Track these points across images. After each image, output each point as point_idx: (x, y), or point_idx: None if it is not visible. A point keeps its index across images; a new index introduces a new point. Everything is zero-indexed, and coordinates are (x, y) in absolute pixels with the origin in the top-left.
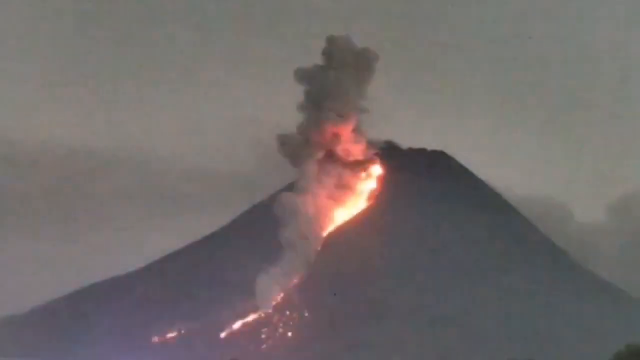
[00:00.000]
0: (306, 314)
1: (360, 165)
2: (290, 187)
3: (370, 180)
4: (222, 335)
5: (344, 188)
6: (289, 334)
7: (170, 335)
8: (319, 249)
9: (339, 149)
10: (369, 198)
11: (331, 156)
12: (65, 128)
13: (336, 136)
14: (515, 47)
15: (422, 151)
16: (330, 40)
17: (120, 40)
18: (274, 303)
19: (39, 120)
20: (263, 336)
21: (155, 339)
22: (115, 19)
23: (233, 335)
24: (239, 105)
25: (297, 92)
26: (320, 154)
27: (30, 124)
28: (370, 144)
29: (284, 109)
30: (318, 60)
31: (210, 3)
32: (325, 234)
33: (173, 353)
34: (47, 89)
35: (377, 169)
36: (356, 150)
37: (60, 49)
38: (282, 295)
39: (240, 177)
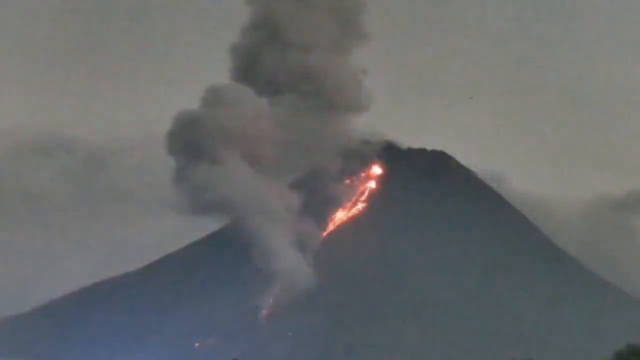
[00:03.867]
0: (306, 314)
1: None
2: (293, 187)
3: (369, 180)
4: (222, 335)
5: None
6: (289, 333)
7: (170, 335)
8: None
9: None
10: (369, 198)
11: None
12: (61, 122)
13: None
14: (515, 46)
15: (422, 151)
16: None
17: (122, 36)
18: (275, 300)
19: (36, 114)
20: (263, 336)
21: (155, 339)
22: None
23: (233, 335)
24: None
25: None
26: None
27: (25, 118)
28: (370, 143)
29: None
30: None
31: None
32: (325, 233)
33: (173, 353)
34: (46, 83)
35: (376, 169)
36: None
37: (60, 46)
38: (281, 295)
39: None
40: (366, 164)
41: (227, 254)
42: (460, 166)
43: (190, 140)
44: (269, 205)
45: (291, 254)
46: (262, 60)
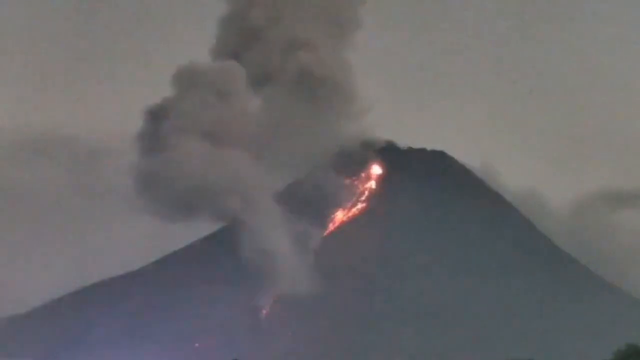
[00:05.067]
0: (306, 314)
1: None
2: (292, 187)
3: (369, 180)
4: (222, 335)
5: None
6: (289, 334)
7: (170, 335)
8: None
9: None
10: (369, 198)
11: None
12: (59, 121)
13: None
14: (515, 47)
15: (422, 151)
16: None
17: (121, 35)
18: (275, 300)
19: (34, 113)
20: (263, 336)
21: (155, 339)
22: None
23: (233, 335)
24: None
25: None
26: None
27: (22, 117)
28: (370, 143)
29: None
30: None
31: None
32: (325, 233)
33: (173, 353)
34: (43, 82)
35: (376, 169)
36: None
37: (59, 44)
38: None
39: None
40: (366, 164)
41: (227, 253)
42: (460, 166)
43: (160, 133)
44: (263, 203)
45: (290, 254)
46: (251, 55)
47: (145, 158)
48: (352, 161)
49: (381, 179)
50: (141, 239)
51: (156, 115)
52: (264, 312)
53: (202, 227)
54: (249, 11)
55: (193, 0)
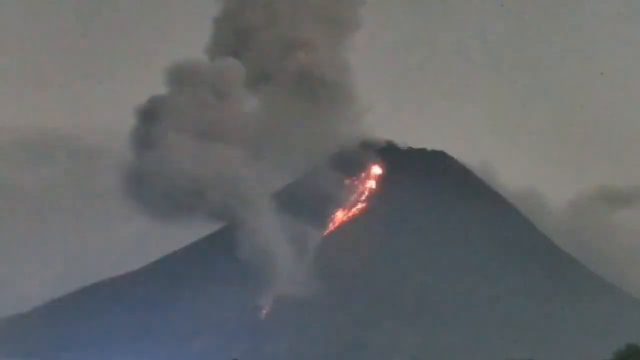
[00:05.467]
0: (306, 314)
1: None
2: (292, 187)
3: (369, 180)
4: (222, 335)
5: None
6: (289, 334)
7: (170, 335)
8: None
9: None
10: (369, 198)
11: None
12: (59, 121)
13: None
14: (515, 47)
15: (422, 151)
16: None
17: (121, 35)
18: (275, 300)
19: (33, 112)
20: (263, 336)
21: (155, 339)
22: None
23: (233, 335)
24: None
25: None
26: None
27: (22, 117)
28: (370, 143)
29: None
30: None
31: None
32: (325, 233)
33: (172, 353)
34: (43, 82)
35: (376, 169)
36: None
37: (58, 44)
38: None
39: None
40: (366, 164)
41: (227, 253)
42: (460, 166)
43: (157, 132)
44: (261, 203)
45: (289, 254)
46: (250, 54)
47: (142, 157)
48: (352, 161)
49: (381, 179)
50: (141, 239)
51: (153, 115)
52: (264, 312)
53: (202, 227)
54: (248, 10)
55: (193, 0)
